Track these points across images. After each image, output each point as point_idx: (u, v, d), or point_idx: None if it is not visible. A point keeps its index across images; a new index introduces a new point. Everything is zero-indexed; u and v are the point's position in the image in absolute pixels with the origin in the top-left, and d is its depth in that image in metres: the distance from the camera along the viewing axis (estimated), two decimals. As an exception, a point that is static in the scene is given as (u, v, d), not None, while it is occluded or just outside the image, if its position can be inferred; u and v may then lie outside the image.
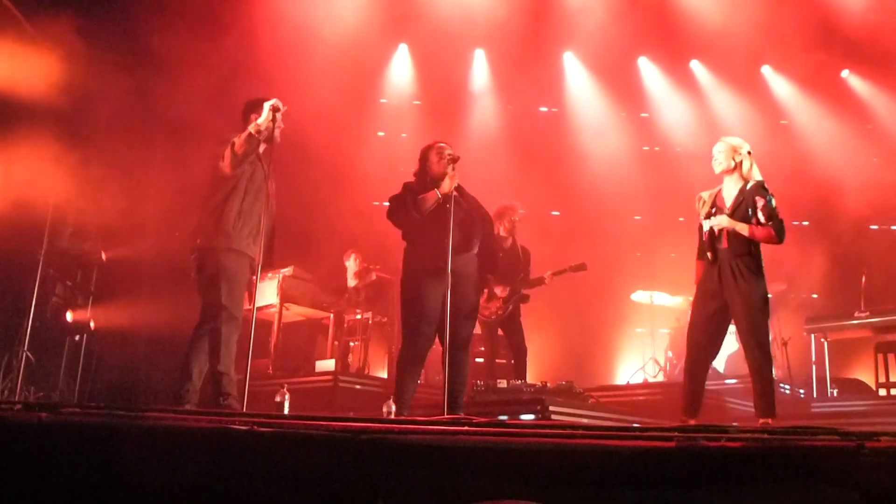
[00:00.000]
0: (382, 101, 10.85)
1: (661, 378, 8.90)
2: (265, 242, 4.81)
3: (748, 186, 5.03)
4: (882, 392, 7.99)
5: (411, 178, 5.16)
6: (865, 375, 8.71)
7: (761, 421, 4.70)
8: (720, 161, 5.11)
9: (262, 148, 4.95)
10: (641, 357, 9.51)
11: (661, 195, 10.11)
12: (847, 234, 10.14)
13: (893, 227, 10.86)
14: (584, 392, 6.03)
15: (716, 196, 5.18)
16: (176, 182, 7.39)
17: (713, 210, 5.10)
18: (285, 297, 7.77)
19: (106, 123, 7.69)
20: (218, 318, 4.77)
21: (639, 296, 9.21)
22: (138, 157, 7.79)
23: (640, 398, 7.44)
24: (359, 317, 8.50)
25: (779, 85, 11.27)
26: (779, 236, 4.87)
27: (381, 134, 10.74)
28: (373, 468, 2.41)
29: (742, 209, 4.96)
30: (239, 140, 4.78)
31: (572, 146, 10.74)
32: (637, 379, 9.21)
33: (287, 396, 4.60)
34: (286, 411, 4.55)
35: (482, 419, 3.09)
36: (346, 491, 2.39)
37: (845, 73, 11.20)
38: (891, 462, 2.27)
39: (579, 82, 11.16)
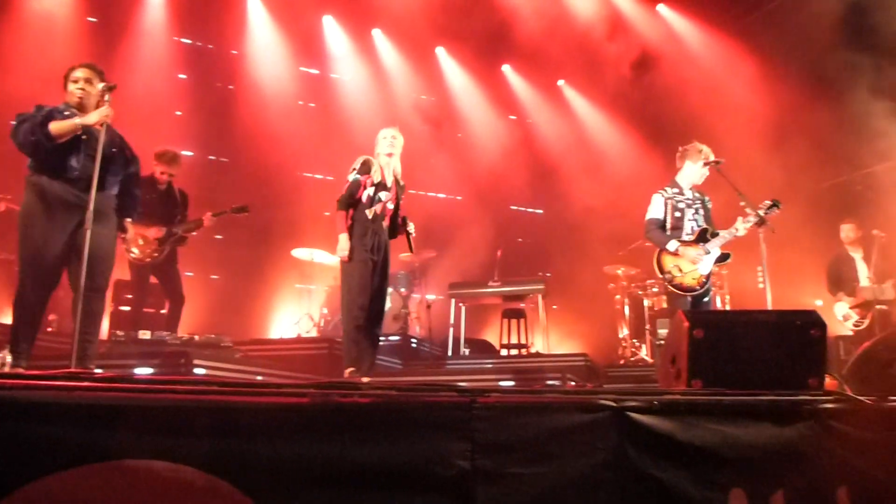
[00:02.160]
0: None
1: (314, 333, 9.08)
2: None
3: (398, 180, 5.69)
4: (504, 352, 9.12)
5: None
6: (494, 337, 9.85)
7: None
8: (395, 146, 5.61)
9: None
10: (297, 312, 9.62)
11: (332, 154, 10.26)
12: (491, 211, 11.29)
13: (528, 210, 12.35)
14: (232, 346, 5.91)
15: (382, 169, 5.54)
16: None
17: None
18: None
19: None
20: None
21: (300, 252, 9.26)
22: None
23: (293, 353, 7.51)
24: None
25: (450, 68, 12.10)
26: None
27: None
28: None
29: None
30: None
31: (248, 92, 10.37)
32: (291, 334, 9.31)
33: None
34: None
35: (106, 374, 2.84)
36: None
37: (505, 68, 12.41)
38: (497, 415, 2.57)
39: (262, 28, 10.80)
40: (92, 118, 4.44)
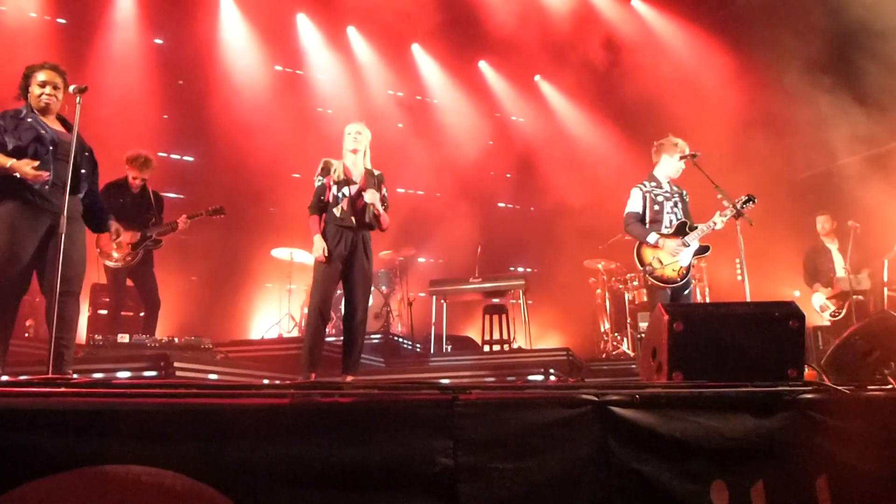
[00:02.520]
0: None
1: (295, 333, 9.04)
2: None
3: (372, 171, 5.63)
4: (486, 348, 9.14)
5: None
6: (476, 333, 9.86)
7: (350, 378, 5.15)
8: (360, 142, 5.58)
9: None
10: (278, 312, 9.57)
11: (308, 152, 10.22)
12: (470, 207, 11.29)
13: (508, 205, 12.37)
14: (213, 348, 5.87)
15: (345, 166, 5.53)
16: None
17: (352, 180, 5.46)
18: None
19: None
20: None
21: (279, 252, 9.21)
22: None
23: (274, 353, 7.47)
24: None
25: (425, 63, 12.08)
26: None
27: None
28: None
29: (373, 194, 5.47)
30: None
31: (223, 91, 10.27)
32: (272, 334, 9.26)
33: None
34: None
35: (83, 379, 2.80)
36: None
37: (482, 64, 12.43)
38: (479, 412, 2.57)
39: (234, 29, 10.71)
40: (23, 171, 4.28)
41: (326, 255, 5.30)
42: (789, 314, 3.61)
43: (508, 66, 12.26)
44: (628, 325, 9.26)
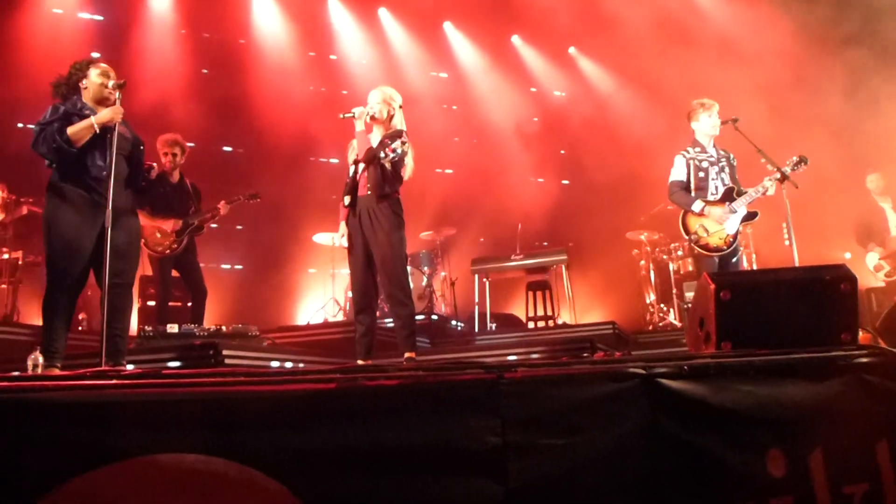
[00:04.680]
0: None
1: (340, 317, 9.11)
2: None
3: (391, 133, 5.12)
4: (531, 325, 9.11)
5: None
6: (519, 310, 9.83)
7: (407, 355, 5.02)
8: (375, 109, 5.13)
9: None
10: (323, 297, 9.66)
11: (344, 138, 10.22)
12: (508, 184, 11.22)
13: (546, 180, 12.24)
14: (259, 334, 5.95)
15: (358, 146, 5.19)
16: None
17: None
18: None
19: None
20: None
21: (321, 237, 9.27)
22: None
23: (321, 338, 7.55)
24: (6, 256, 7.45)
25: (457, 41, 11.99)
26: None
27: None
28: (4, 430, 2.11)
29: (374, 151, 5.00)
30: None
31: (258, 80, 10.34)
32: (318, 319, 9.35)
33: None
34: None
35: (135, 370, 2.86)
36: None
37: (515, 39, 12.28)
38: (525, 390, 2.55)
39: (267, 16, 10.75)
40: (105, 116, 4.43)
41: (346, 243, 5.12)
42: (840, 277, 3.51)
43: (542, 38, 12.10)
44: (674, 296, 9.14)
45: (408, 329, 5.05)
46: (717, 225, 5.70)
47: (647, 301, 9.84)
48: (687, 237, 5.83)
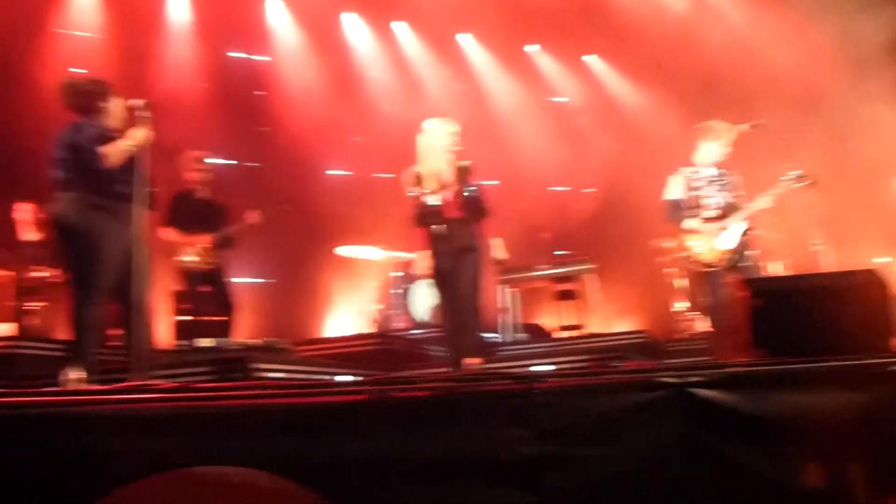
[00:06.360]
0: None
1: (370, 329, 9.11)
2: None
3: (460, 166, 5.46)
4: (564, 334, 9.06)
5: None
6: (548, 320, 9.78)
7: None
8: (457, 143, 5.45)
9: None
10: (351, 309, 9.68)
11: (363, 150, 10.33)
12: (533, 194, 11.18)
13: (563, 188, 12.17)
14: (290, 347, 5.98)
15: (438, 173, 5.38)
16: None
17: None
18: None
19: None
20: None
21: (344, 250, 9.27)
22: None
23: (352, 349, 7.56)
24: (47, 274, 7.57)
25: (475, 52, 12.01)
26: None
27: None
28: (46, 445, 2.16)
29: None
30: None
31: (276, 97, 10.44)
32: (347, 331, 9.37)
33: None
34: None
35: (169, 384, 2.90)
36: (20, 473, 2.11)
37: (531, 48, 12.28)
38: (555, 400, 2.55)
39: (286, 32, 10.85)
40: (140, 137, 4.48)
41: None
42: (872, 282, 3.46)
43: (557, 46, 12.06)
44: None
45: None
46: (709, 242, 5.68)
47: (677, 309, 9.73)
48: (681, 254, 5.88)
